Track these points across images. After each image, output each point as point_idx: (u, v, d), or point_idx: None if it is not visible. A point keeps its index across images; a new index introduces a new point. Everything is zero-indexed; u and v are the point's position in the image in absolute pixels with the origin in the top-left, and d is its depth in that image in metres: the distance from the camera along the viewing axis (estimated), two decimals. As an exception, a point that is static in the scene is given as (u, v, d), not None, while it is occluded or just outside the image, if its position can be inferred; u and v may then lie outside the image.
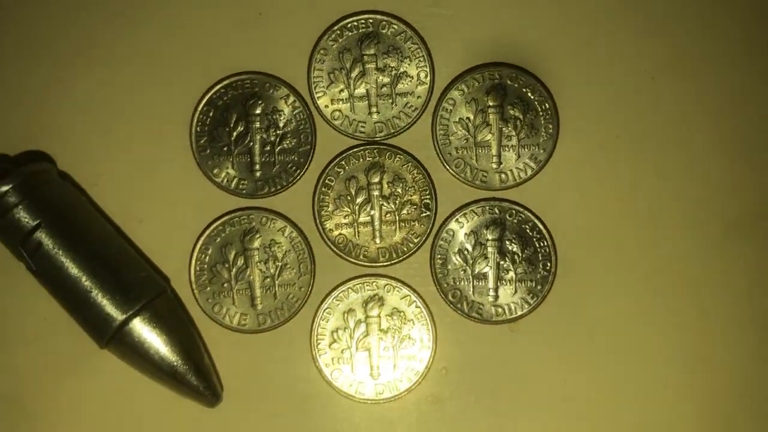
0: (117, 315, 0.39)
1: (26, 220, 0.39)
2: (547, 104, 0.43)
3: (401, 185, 0.43)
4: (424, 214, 0.43)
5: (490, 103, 0.43)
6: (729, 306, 0.43)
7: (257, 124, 0.43)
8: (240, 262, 0.43)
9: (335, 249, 0.43)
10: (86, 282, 0.39)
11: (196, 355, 0.41)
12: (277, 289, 0.43)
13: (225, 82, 0.43)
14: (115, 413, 0.43)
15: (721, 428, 0.43)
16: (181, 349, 0.40)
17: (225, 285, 0.43)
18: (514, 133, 0.43)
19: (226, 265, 0.43)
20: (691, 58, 0.44)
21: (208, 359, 0.42)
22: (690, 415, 0.43)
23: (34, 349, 0.43)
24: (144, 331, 0.40)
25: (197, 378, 0.41)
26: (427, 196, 0.43)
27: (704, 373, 0.43)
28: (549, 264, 0.43)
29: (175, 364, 0.40)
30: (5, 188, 0.39)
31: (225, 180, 0.43)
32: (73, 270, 0.40)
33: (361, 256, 0.43)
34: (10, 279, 0.42)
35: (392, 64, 0.43)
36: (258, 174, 0.43)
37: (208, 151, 0.43)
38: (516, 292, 0.43)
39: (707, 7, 0.44)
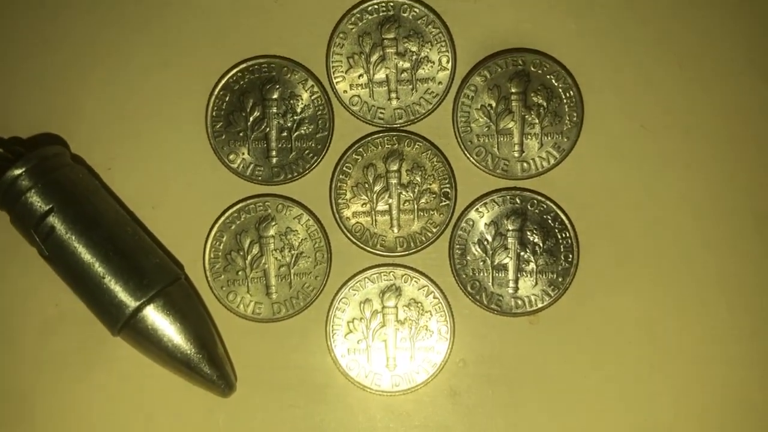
0: (130, 302, 0.39)
1: (39, 204, 0.39)
2: (571, 92, 0.42)
3: (420, 173, 0.43)
4: (443, 203, 0.43)
5: (513, 90, 0.42)
6: (757, 298, 0.43)
7: (274, 109, 0.43)
8: (255, 249, 0.43)
9: (352, 238, 0.43)
10: (99, 268, 0.39)
11: (210, 343, 0.41)
12: (292, 277, 0.43)
13: (242, 66, 0.43)
14: (125, 402, 0.43)
15: (751, 419, 0.43)
16: (195, 338, 0.40)
17: (240, 273, 0.43)
18: (537, 121, 0.43)
19: (241, 253, 0.43)
20: (719, 46, 0.43)
21: (222, 348, 0.42)
22: (718, 408, 0.43)
23: (42, 340, 0.43)
24: (157, 318, 0.40)
25: (211, 367, 0.40)
26: (447, 185, 0.43)
27: (731, 366, 0.43)
28: (571, 255, 0.42)
29: (189, 352, 0.40)
30: (18, 172, 0.39)
31: (240, 166, 0.43)
32: (86, 255, 0.39)
33: (379, 246, 0.43)
34: (15, 269, 0.42)
35: (413, 49, 0.43)
36: (274, 160, 0.43)
37: (224, 136, 0.43)
38: (536, 283, 0.42)
39: (737, -6, 0.43)
